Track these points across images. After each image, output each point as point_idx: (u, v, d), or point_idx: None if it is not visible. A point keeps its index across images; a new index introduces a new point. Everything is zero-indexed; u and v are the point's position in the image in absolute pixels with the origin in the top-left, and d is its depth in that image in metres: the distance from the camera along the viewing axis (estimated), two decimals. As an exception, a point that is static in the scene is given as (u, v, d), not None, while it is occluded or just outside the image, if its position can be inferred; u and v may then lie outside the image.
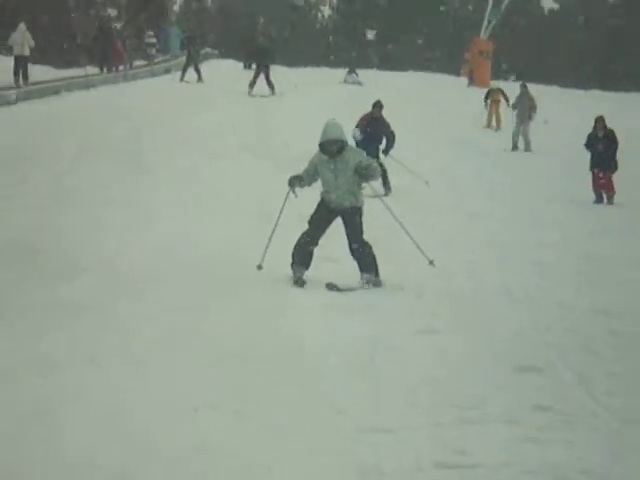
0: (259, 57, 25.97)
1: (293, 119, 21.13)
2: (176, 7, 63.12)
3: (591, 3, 68.32)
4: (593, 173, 15.99)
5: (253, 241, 9.45)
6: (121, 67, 33.96)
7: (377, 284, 8.98)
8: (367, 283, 8.93)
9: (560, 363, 6.78)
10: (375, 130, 14.81)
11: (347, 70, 36.78)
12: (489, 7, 43.35)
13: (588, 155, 16.13)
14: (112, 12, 43.91)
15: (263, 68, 25.82)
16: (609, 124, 16.13)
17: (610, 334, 7.64)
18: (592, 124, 16.16)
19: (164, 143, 17.38)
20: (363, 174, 8.88)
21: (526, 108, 23.00)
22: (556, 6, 72.71)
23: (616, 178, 15.83)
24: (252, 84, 25.66)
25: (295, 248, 8.97)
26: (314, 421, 5.60)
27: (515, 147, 22.67)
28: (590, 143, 16.16)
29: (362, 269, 8.97)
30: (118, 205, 12.33)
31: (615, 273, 10.20)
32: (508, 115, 24.62)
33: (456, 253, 10.65)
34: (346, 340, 7.24)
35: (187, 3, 70.07)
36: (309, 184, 9.14)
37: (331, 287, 8.80)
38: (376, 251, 9.02)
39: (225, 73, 27.29)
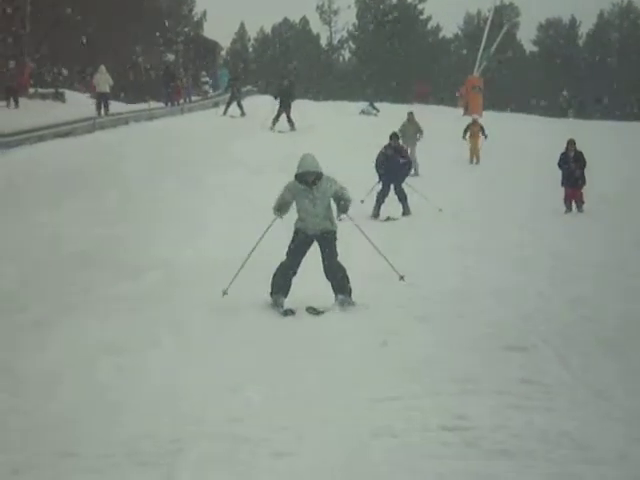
0: (282, 97, 25.63)
1: (319, 145, 20.83)
2: (223, 52, 63.36)
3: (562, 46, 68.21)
4: (565, 188, 15.72)
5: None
6: (181, 101, 34.05)
7: (350, 304, 7.87)
8: (341, 304, 7.85)
9: (541, 344, 6.66)
10: (395, 156, 14.98)
11: (368, 103, 36.42)
12: (481, 50, 43.15)
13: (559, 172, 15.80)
14: (170, 57, 44.12)
15: (285, 108, 25.49)
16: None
17: (582, 319, 7.50)
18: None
19: (212, 164, 17.35)
20: (341, 205, 8.04)
21: (412, 134, 20.10)
22: (535, 48, 72.59)
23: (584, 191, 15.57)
24: (274, 121, 25.25)
25: (274, 277, 7.90)
26: (334, 393, 5.53)
27: None
28: (562, 162, 15.89)
29: (336, 290, 7.92)
30: (175, 215, 12.33)
31: (582, 269, 9.98)
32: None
33: (448, 257, 10.51)
34: (356, 328, 7.16)
35: (233, 50, 70.42)
36: (287, 212, 8.19)
37: (311, 311, 7.78)
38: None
39: (262, 107, 27.00)
